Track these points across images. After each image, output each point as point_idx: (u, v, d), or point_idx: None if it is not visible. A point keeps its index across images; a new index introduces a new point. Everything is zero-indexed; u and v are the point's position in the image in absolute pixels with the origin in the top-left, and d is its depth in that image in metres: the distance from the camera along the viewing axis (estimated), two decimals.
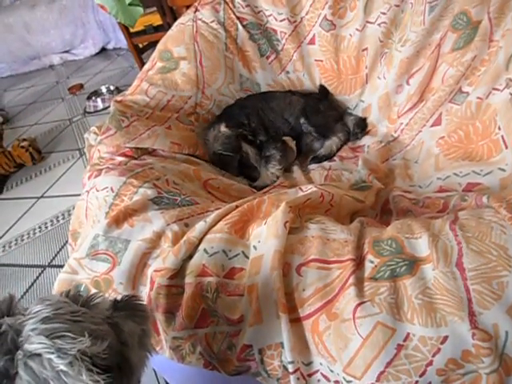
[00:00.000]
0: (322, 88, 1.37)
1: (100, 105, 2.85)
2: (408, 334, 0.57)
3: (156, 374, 1.16)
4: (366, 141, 1.25)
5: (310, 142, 1.33)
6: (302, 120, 1.31)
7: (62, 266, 0.85)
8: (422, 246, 0.63)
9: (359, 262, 0.65)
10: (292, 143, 1.30)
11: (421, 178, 1.04)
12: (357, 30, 1.23)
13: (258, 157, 1.24)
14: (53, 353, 0.42)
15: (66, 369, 0.42)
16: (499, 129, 0.90)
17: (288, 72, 1.39)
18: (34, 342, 0.43)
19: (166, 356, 0.77)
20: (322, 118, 1.30)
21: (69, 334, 0.44)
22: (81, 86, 3.35)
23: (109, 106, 2.80)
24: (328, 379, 0.63)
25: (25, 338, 0.44)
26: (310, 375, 0.64)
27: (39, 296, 1.49)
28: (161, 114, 1.16)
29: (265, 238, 0.72)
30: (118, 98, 1.17)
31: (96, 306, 0.52)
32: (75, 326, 0.45)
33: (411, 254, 0.63)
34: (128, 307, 0.56)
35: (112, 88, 2.98)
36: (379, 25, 1.18)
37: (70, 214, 1.88)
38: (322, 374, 0.64)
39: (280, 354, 0.65)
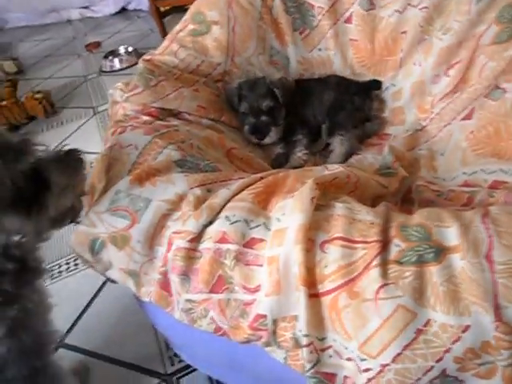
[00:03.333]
0: (375, 82, 1.33)
1: (117, 65, 2.81)
2: (429, 319, 0.57)
3: (157, 333, 1.17)
4: (392, 130, 1.23)
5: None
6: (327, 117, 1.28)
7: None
8: (451, 235, 0.62)
9: (385, 245, 0.65)
10: (324, 133, 1.28)
11: (446, 170, 1.03)
12: (396, 11, 1.20)
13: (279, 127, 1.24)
14: None
15: None
16: None
17: (320, 49, 1.36)
18: None
19: (175, 317, 0.77)
20: (343, 115, 1.25)
21: None
22: (98, 44, 3.29)
23: (126, 67, 2.76)
24: (340, 356, 0.63)
25: None
26: (322, 350, 0.64)
27: None
28: (189, 77, 1.13)
29: (290, 211, 0.71)
30: (147, 56, 1.15)
31: None
32: None
33: (439, 242, 0.62)
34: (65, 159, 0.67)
35: (130, 49, 2.93)
36: (421, 9, 1.15)
37: None
38: (334, 350, 0.64)
39: (293, 326, 0.65)
